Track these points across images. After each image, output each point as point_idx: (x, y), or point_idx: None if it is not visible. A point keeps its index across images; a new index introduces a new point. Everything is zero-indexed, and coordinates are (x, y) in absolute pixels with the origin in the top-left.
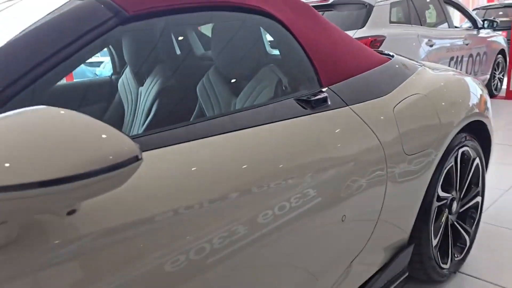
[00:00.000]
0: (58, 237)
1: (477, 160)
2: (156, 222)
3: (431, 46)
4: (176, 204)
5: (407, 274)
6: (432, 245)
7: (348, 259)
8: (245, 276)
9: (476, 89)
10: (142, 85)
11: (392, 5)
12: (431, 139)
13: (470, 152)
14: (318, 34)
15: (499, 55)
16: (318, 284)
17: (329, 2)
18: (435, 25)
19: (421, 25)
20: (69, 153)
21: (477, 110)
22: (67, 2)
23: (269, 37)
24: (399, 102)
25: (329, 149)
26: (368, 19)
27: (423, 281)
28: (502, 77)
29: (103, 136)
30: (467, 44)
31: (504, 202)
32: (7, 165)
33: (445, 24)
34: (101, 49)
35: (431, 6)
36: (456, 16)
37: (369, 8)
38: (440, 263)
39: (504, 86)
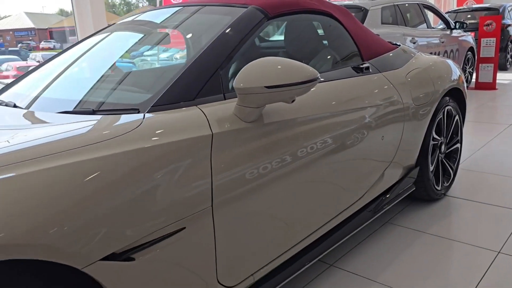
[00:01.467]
0: (286, 114)
1: (457, 117)
2: (301, 118)
3: (414, 43)
4: (315, 109)
5: (414, 189)
6: (429, 170)
7: (383, 168)
8: (338, 165)
9: (455, 68)
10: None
11: (383, 9)
12: (428, 98)
13: (452, 110)
14: (357, 28)
15: (469, 52)
16: (368, 180)
17: None
18: (416, 25)
19: (406, 26)
20: (292, 73)
21: (456, 81)
22: (240, 11)
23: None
24: (409, 72)
25: (373, 96)
26: (364, 21)
27: (421, 203)
28: (471, 71)
29: (303, 66)
30: (442, 42)
31: (475, 157)
32: (276, 74)
33: (424, 25)
34: (256, 36)
35: (413, 10)
36: (430, 18)
37: (365, 12)
38: (435, 185)
39: (474, 79)
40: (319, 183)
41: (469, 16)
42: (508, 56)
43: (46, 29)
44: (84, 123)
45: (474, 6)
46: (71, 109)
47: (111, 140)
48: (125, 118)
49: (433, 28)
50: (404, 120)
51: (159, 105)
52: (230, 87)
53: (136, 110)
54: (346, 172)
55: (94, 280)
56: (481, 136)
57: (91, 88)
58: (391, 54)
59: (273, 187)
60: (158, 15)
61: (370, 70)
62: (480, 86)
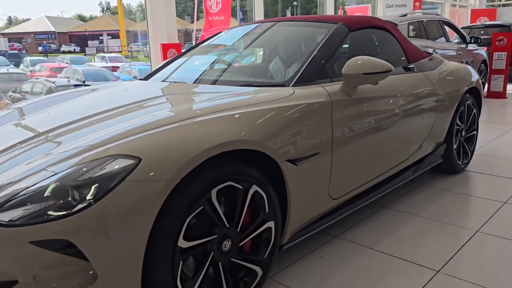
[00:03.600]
0: (361, 93)
1: (474, 110)
2: (376, 97)
3: None
4: (384, 93)
5: (441, 160)
6: (453, 148)
7: (421, 140)
8: (394, 133)
9: (474, 73)
10: None
11: (409, 24)
12: (455, 93)
13: (471, 104)
14: (404, 40)
15: (482, 64)
16: (412, 146)
17: None
18: (436, 39)
19: (427, 39)
20: (378, 66)
21: (474, 83)
22: (333, 26)
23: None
24: (441, 73)
25: (418, 88)
26: None
27: (447, 174)
28: (484, 81)
29: (384, 62)
30: (459, 54)
31: (488, 146)
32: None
33: (443, 39)
34: (341, 47)
35: (434, 25)
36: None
37: None
38: (457, 160)
39: (486, 88)
40: (385, 141)
41: (482, 32)
42: None
43: (66, 33)
44: (262, 91)
45: (487, 23)
46: (239, 85)
47: (285, 98)
48: (282, 89)
49: (450, 41)
50: (438, 107)
51: (297, 83)
52: (333, 74)
53: (283, 85)
54: (400, 137)
55: (274, 177)
56: (493, 132)
57: (244, 73)
58: (427, 59)
59: (361, 138)
60: (275, 26)
61: (415, 70)
62: (491, 95)
